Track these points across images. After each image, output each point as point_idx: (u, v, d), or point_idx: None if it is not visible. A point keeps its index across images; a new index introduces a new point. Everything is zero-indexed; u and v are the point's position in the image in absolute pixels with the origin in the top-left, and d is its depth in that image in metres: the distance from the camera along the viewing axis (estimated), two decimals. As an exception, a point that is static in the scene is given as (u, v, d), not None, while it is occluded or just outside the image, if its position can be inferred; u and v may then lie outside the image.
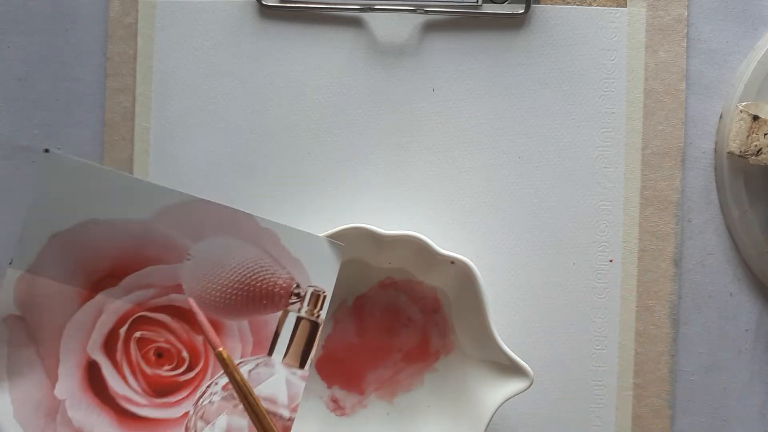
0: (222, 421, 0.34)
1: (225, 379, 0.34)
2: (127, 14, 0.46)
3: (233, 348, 0.34)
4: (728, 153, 0.44)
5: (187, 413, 0.34)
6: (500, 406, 0.41)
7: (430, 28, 0.46)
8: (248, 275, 0.35)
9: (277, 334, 0.35)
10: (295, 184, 0.46)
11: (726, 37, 0.46)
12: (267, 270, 0.35)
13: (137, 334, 0.35)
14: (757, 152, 0.43)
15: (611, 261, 0.45)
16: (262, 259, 0.35)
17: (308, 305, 0.36)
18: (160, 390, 0.35)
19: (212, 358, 0.34)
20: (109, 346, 0.35)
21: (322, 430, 0.44)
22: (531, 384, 0.40)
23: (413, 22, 0.46)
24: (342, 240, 0.42)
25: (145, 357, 0.35)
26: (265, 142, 0.46)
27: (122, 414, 0.35)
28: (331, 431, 0.45)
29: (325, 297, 0.36)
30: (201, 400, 0.34)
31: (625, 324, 0.45)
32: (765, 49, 0.45)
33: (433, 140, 0.46)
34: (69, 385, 0.35)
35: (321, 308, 0.36)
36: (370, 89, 0.46)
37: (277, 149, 0.46)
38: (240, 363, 0.34)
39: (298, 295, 0.35)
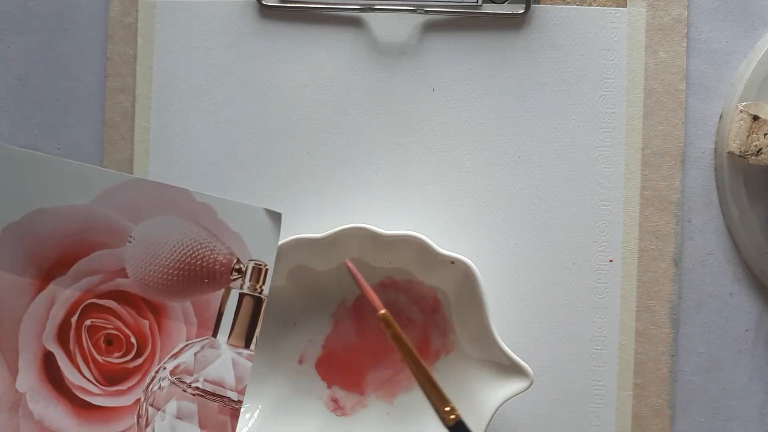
0: (172, 406, 0.34)
1: (172, 364, 0.34)
2: (127, 14, 0.46)
3: (178, 330, 0.34)
4: (728, 153, 0.44)
5: (138, 400, 0.34)
6: (500, 406, 0.41)
7: (430, 28, 0.46)
8: (187, 254, 0.34)
9: (220, 314, 0.35)
10: (295, 184, 0.46)
11: (726, 37, 0.46)
12: (206, 247, 0.35)
13: (88, 322, 0.35)
14: (757, 152, 0.43)
15: (611, 261, 0.45)
16: (200, 235, 0.34)
17: (250, 280, 0.35)
18: (111, 378, 0.35)
19: (159, 343, 0.34)
20: (62, 335, 0.35)
21: (322, 430, 0.44)
22: (531, 384, 0.40)
23: (413, 22, 0.46)
24: (342, 240, 0.42)
25: (96, 345, 0.35)
26: (265, 142, 0.46)
27: (78, 404, 0.35)
28: (331, 431, 0.45)
29: (267, 271, 0.35)
30: (150, 386, 0.35)
31: (625, 324, 0.45)
32: (765, 49, 0.45)
33: (433, 140, 0.46)
34: (28, 378, 0.35)
35: (264, 283, 0.35)
36: (370, 89, 0.46)
37: (277, 149, 0.46)
38: (185, 346, 0.34)
39: (239, 270, 0.35)
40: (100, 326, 0.35)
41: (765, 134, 0.43)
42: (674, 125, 0.45)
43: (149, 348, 0.35)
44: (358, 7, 0.45)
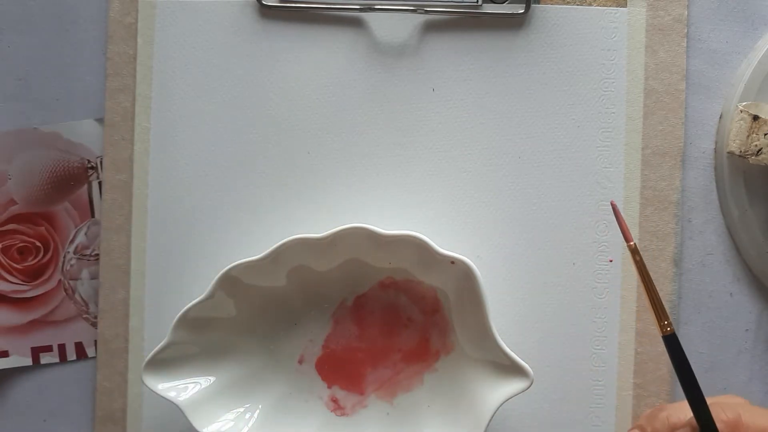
0: (84, 273, 0.47)
1: (73, 247, 0.47)
2: (127, 14, 0.46)
3: (67, 224, 0.47)
4: (728, 153, 0.44)
5: (60, 280, 0.47)
6: (500, 406, 0.41)
7: (430, 28, 0.46)
8: (54, 169, 0.47)
9: (91, 201, 0.47)
10: (294, 184, 0.46)
11: (726, 37, 0.46)
12: (63, 160, 0.47)
13: (0, 245, 0.47)
14: (757, 152, 0.43)
15: (611, 261, 0.45)
16: (57, 154, 0.47)
17: (102, 171, 0.47)
18: (33, 275, 0.47)
19: (58, 238, 0.47)
20: None
21: (322, 430, 0.44)
22: (531, 384, 0.40)
23: (413, 22, 0.46)
24: (342, 240, 0.42)
25: (12, 258, 0.47)
26: (265, 142, 0.46)
27: (17, 302, 0.47)
28: (331, 431, 0.45)
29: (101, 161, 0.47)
30: (64, 267, 0.47)
31: (625, 324, 0.45)
32: (765, 49, 0.45)
33: (433, 140, 0.46)
34: (-26, 299, 0.46)
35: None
36: (370, 89, 0.46)
37: (277, 149, 0.46)
38: (76, 232, 0.47)
39: (92, 167, 0.47)
40: (10, 245, 0.47)
41: (765, 134, 0.43)
42: (674, 125, 0.45)
43: (51, 244, 0.47)
44: (358, 7, 0.45)
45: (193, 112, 0.46)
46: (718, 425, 0.36)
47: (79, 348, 0.47)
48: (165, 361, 0.43)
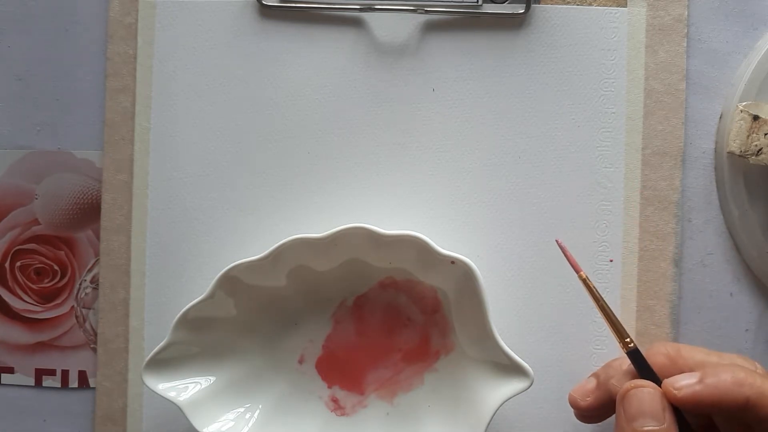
0: (97, 303, 0.47)
1: (90, 275, 0.47)
2: (127, 14, 0.46)
3: (87, 255, 0.47)
4: (728, 153, 0.44)
5: (72, 307, 0.47)
6: (500, 406, 0.41)
7: (430, 28, 0.46)
8: (82, 196, 0.47)
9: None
10: (295, 184, 0.46)
11: (726, 37, 0.46)
12: (95, 189, 0.47)
13: (18, 263, 0.48)
14: (757, 152, 0.43)
15: (611, 261, 0.45)
16: (87, 181, 0.47)
17: None
18: (47, 297, 0.48)
19: (76, 264, 0.47)
20: (1, 278, 0.48)
21: (322, 430, 0.44)
22: (531, 384, 0.40)
23: (413, 22, 0.46)
24: (342, 240, 0.42)
25: (28, 278, 0.48)
26: (265, 142, 0.46)
27: (28, 322, 0.48)
28: (331, 431, 0.45)
29: None
30: (79, 294, 0.47)
31: (625, 324, 0.45)
32: (765, 49, 0.45)
33: (433, 140, 0.46)
34: (-16, 315, 0.46)
35: None
36: (370, 89, 0.46)
37: (277, 149, 0.46)
38: (95, 261, 0.47)
39: None
40: (28, 264, 0.48)
41: (765, 134, 0.43)
42: (674, 125, 0.45)
43: (69, 270, 0.48)
44: (358, 7, 0.45)
45: (193, 112, 0.46)
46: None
47: (82, 376, 0.47)
48: (165, 361, 0.43)
